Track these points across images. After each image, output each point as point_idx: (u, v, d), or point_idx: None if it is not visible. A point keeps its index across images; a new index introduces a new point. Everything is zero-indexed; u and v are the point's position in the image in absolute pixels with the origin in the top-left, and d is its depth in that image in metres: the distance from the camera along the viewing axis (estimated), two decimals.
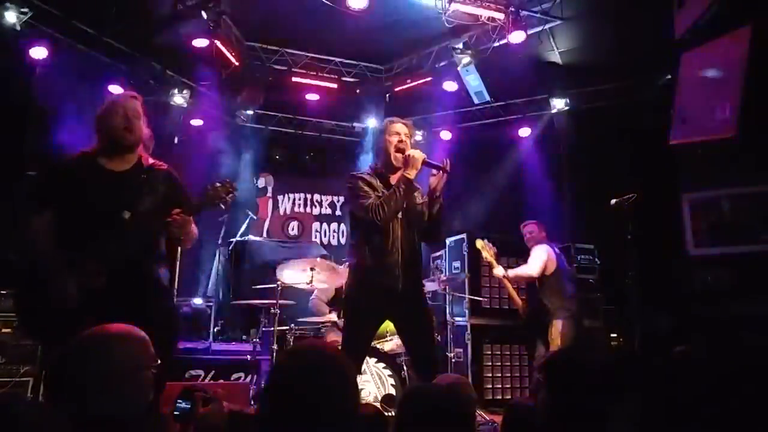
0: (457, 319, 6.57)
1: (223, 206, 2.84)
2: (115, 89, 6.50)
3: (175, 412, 1.87)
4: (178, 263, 5.47)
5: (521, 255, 6.00)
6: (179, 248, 5.47)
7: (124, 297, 2.55)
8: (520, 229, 5.87)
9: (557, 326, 5.30)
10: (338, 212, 9.42)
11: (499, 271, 5.57)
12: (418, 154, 3.22)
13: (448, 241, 6.83)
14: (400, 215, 3.30)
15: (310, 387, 1.42)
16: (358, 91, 7.69)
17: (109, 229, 2.61)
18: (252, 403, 4.53)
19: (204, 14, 5.89)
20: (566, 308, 5.40)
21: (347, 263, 4.99)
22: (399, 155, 3.29)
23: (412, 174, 3.18)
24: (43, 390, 2.85)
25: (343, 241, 9.33)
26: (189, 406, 1.85)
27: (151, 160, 2.91)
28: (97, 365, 1.68)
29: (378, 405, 4.38)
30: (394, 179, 3.29)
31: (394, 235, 3.23)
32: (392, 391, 4.50)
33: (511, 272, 5.56)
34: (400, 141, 3.35)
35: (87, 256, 2.58)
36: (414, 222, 3.36)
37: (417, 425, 1.76)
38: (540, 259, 5.48)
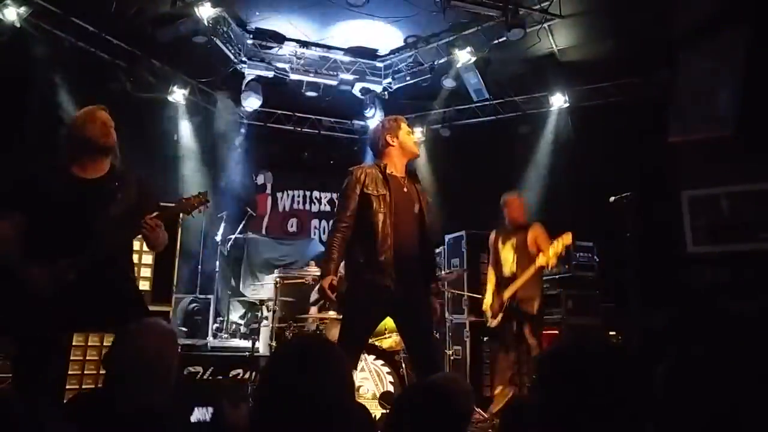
0: (455, 316, 6.58)
1: (193, 216, 3.06)
2: (114, 87, 6.53)
3: (194, 420, 1.90)
4: (177, 260, 5.47)
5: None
6: (177, 246, 5.48)
7: (96, 296, 2.65)
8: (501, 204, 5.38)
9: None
10: None
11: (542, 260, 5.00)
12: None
13: (447, 238, 6.84)
14: (399, 211, 3.33)
15: (303, 376, 1.43)
16: (357, 88, 7.69)
17: (80, 235, 2.71)
18: (250, 399, 4.54)
19: (203, 11, 5.88)
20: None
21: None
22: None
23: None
24: (12, 383, 2.92)
25: None
26: (213, 412, 1.86)
27: (121, 168, 3.04)
28: (130, 358, 1.82)
29: (375, 402, 4.40)
30: (397, 167, 3.47)
31: (388, 234, 3.23)
32: (390, 389, 4.50)
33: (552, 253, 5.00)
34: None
35: (58, 255, 2.66)
36: (413, 221, 3.38)
37: (409, 425, 1.77)
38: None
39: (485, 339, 6.36)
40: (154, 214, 2.83)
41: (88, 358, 4.63)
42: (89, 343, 4.57)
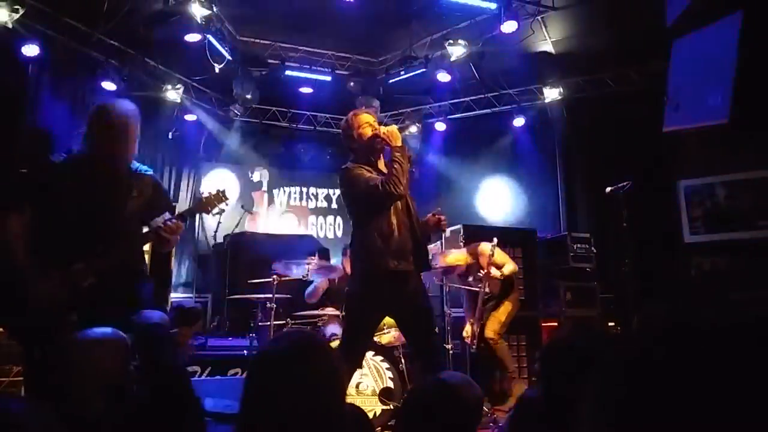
0: (454, 310, 6.57)
1: (212, 215, 3.01)
2: (108, 86, 6.48)
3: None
4: (173, 259, 5.46)
5: (517, 245, 6.01)
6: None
7: (112, 298, 2.56)
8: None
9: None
10: (334, 205, 9.40)
11: (496, 272, 5.25)
12: (392, 127, 3.24)
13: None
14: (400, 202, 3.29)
15: (286, 378, 1.34)
16: (351, 83, 7.66)
17: (94, 232, 2.60)
18: None
19: (195, 9, 5.85)
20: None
21: (347, 255, 4.99)
22: (378, 139, 3.25)
23: (399, 142, 3.17)
24: (24, 390, 2.88)
25: (339, 234, 9.32)
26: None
27: (135, 165, 2.91)
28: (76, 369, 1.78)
29: (375, 398, 4.39)
30: (381, 163, 3.31)
31: (400, 220, 3.21)
32: (390, 385, 4.49)
33: (506, 270, 5.28)
34: (373, 127, 3.33)
35: (72, 257, 2.56)
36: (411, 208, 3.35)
37: (418, 425, 1.76)
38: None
39: None
40: (169, 217, 2.72)
41: None
42: None
